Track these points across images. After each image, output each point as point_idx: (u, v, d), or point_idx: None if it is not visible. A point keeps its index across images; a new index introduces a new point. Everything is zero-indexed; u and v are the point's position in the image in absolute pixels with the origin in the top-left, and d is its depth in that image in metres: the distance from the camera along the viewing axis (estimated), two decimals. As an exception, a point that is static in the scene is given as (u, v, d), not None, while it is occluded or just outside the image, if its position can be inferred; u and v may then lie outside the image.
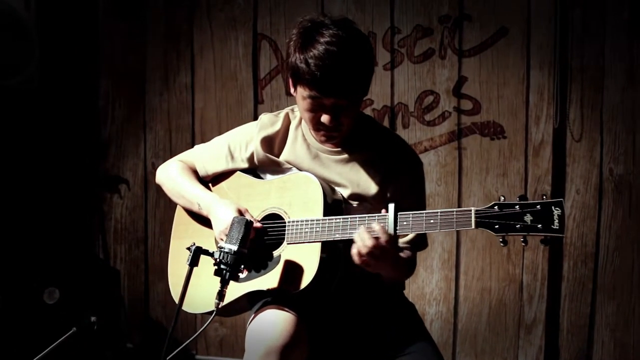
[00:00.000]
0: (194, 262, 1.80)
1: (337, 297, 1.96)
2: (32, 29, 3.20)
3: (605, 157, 2.94)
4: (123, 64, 3.39)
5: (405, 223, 1.75)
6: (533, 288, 3.05)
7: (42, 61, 3.22)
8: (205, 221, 2.10)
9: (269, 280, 1.91)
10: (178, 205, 2.23)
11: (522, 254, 3.06)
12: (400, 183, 1.98)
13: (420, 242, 2.02)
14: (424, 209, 2.02)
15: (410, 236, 1.99)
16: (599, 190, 2.96)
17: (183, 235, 2.19)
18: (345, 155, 2.00)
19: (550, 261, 3.02)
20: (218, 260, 1.80)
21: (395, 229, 1.75)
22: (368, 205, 1.98)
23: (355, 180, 1.98)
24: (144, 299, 3.44)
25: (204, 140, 3.25)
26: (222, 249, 1.81)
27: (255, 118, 3.16)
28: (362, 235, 1.77)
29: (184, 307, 2.03)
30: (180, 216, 2.22)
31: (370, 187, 1.97)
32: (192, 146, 3.21)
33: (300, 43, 1.86)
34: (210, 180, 2.18)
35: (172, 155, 3.23)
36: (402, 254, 1.98)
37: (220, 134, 3.28)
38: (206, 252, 1.82)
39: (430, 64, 3.06)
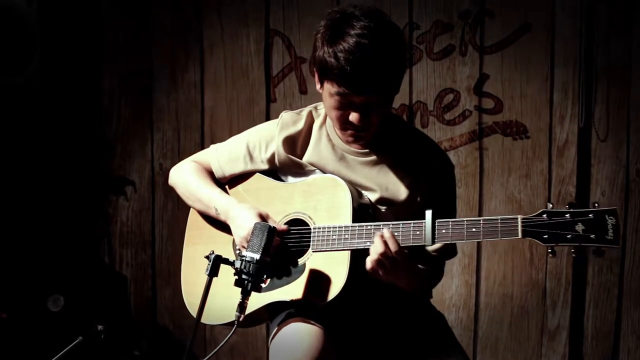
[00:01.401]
0: (213, 272, 1.69)
1: (364, 307, 1.85)
2: (33, 25, 3.11)
3: (631, 158, 2.88)
4: (128, 60, 3.30)
5: (444, 231, 1.64)
6: (557, 294, 2.97)
7: (44, 58, 3.14)
8: (222, 226, 1.99)
9: (293, 290, 1.80)
10: (192, 209, 2.11)
11: (545, 258, 2.98)
12: (431, 187, 1.87)
13: (449, 250, 1.91)
14: (455, 215, 1.92)
15: (439, 244, 1.87)
16: (625, 192, 2.88)
17: (197, 240, 2.08)
18: (373, 157, 1.89)
19: (574, 266, 2.93)
20: (239, 269, 1.68)
21: (433, 238, 1.63)
22: (397, 210, 1.87)
23: (384, 183, 1.88)
24: (151, 305, 3.35)
25: (214, 140, 3.16)
26: (244, 258, 1.69)
27: (268, 117, 3.20)
28: (375, 242, 1.67)
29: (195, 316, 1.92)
30: (194, 220, 2.11)
31: (399, 191, 1.87)
32: (202, 146, 3.23)
33: (329, 35, 1.75)
34: (226, 183, 2.07)
35: (180, 156, 3.24)
36: (421, 265, 1.86)
37: (231, 133, 3.15)
38: (226, 261, 1.71)
39: (450, 61, 2.98)
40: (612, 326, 2.92)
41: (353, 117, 1.78)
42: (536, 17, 2.88)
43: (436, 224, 1.65)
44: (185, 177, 2.07)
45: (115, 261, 3.35)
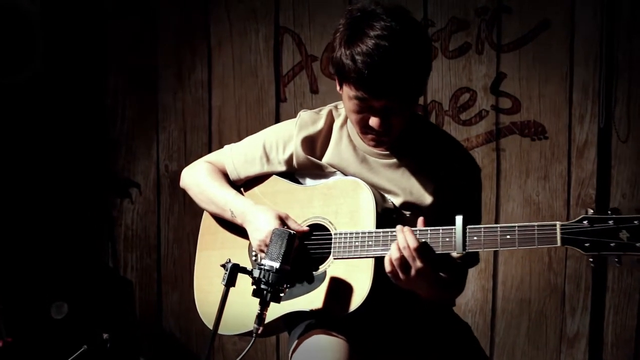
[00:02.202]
0: (230, 282, 1.60)
1: (388, 317, 1.76)
2: (36, 22, 3.07)
3: (653, 159, 2.82)
4: (133, 59, 3.23)
5: (475, 238, 1.55)
6: (576, 299, 2.91)
7: (46, 56, 3.10)
8: (237, 230, 1.91)
9: (313, 300, 1.72)
10: (205, 213, 2.02)
11: (564, 262, 2.91)
12: (457, 190, 1.79)
13: (472, 257, 1.82)
14: (481, 221, 1.83)
15: None
16: (647, 194, 2.82)
17: (211, 246, 1.99)
18: (396, 159, 1.81)
19: (594, 270, 2.87)
20: (257, 279, 1.59)
21: (464, 246, 1.54)
22: (421, 215, 1.76)
23: (408, 187, 1.79)
24: (157, 310, 3.27)
25: (221, 141, 3.17)
26: (262, 267, 1.60)
27: (277, 117, 3.13)
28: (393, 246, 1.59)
29: (211, 326, 1.82)
30: (207, 225, 2.03)
31: (424, 195, 1.78)
32: (209, 147, 3.18)
33: (347, 36, 1.66)
34: (241, 185, 1.98)
35: (187, 157, 3.22)
36: (443, 274, 1.77)
37: (239, 134, 3.11)
38: (244, 270, 1.61)
39: (466, 60, 2.90)
40: (634, 333, 2.86)
41: (373, 121, 1.71)
42: (555, 13, 2.82)
43: (467, 230, 1.56)
44: (199, 179, 1.98)
45: (119, 265, 3.29)
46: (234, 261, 1.66)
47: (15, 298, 2.77)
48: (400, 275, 1.61)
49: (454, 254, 1.73)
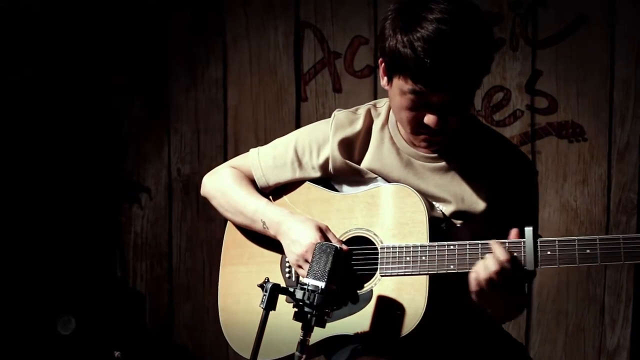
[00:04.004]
0: (270, 305, 1.43)
1: (441, 340, 1.59)
2: (38, 17, 3.01)
3: (698, 162, 2.73)
4: (141, 55, 3.11)
5: (549, 253, 1.39)
6: (616, 311, 2.80)
7: (48, 53, 3.03)
8: (267, 243, 1.74)
9: (358, 322, 1.56)
10: (229, 224, 1.86)
11: (603, 271, 2.80)
12: (514, 197, 1.64)
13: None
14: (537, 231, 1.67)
15: None
16: (691, 199, 2.73)
17: (237, 261, 1.82)
18: (445, 163, 1.66)
19: (635, 280, 2.78)
20: (300, 301, 1.42)
21: (535, 261, 1.38)
22: (473, 225, 1.63)
23: (459, 193, 1.64)
24: (168, 323, 3.14)
25: (238, 143, 3.06)
26: (306, 287, 1.43)
27: (298, 117, 3.00)
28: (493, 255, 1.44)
29: (240, 352, 1.69)
30: (232, 237, 1.86)
31: (476, 202, 1.63)
32: (224, 150, 3.05)
33: (402, 21, 1.50)
34: (270, 193, 1.82)
35: (200, 160, 3.10)
36: None
37: (256, 135, 3.03)
38: (285, 291, 1.44)
39: (500, 56, 2.79)
40: (677, 346, 2.76)
41: (429, 119, 1.54)
42: (594, 7, 2.71)
43: (538, 244, 1.39)
44: (223, 186, 1.81)
45: (128, 275, 3.17)
46: (264, 278, 1.50)
47: (19, 312, 2.67)
48: (488, 291, 1.46)
49: None
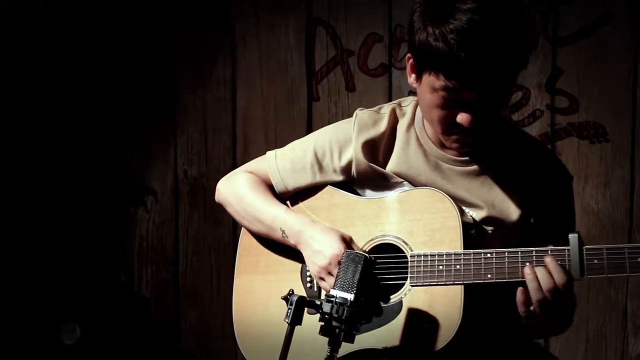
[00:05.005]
0: (296, 320, 1.35)
1: (474, 354, 1.51)
2: (41, 15, 2.97)
3: None
4: (146, 53, 3.07)
5: (596, 262, 1.32)
6: (639, 316, 2.74)
7: (50, 52, 2.99)
8: (284, 250, 1.66)
9: (387, 335, 1.48)
10: (243, 230, 1.78)
11: (626, 276, 2.71)
12: (549, 205, 1.57)
13: None
14: None
15: None
16: None
17: (252, 269, 1.74)
18: (475, 166, 1.58)
19: None
20: (328, 314, 1.34)
21: (582, 271, 1.30)
22: (504, 232, 1.56)
23: (489, 199, 1.56)
24: (174, 329, 3.10)
25: (247, 143, 2.98)
26: (333, 299, 1.35)
27: (310, 117, 2.92)
28: (540, 275, 1.34)
29: None
30: (247, 244, 1.77)
31: (509, 208, 1.55)
32: (233, 151, 2.98)
33: (433, 12, 1.42)
34: (288, 198, 1.74)
35: (207, 161, 3.03)
36: None
37: (266, 136, 2.95)
38: (312, 304, 1.36)
39: None
40: (703, 353, 2.71)
41: (462, 118, 1.46)
42: (619, 4, 2.65)
43: (584, 251, 1.31)
44: (239, 192, 1.73)
45: (133, 280, 3.13)
46: (283, 289, 1.43)
47: (21, 320, 2.62)
48: (540, 313, 1.37)
49: None
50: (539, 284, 1.34)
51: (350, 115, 1.76)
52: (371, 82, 2.81)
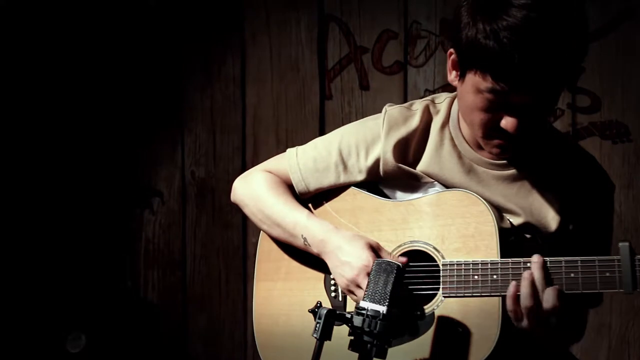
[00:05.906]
0: (325, 335, 1.26)
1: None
2: (45, 15, 2.94)
3: None
4: (153, 51, 3.03)
5: None
6: None
7: (56, 53, 2.96)
8: (308, 256, 1.58)
9: (418, 349, 1.40)
10: (262, 233, 1.69)
11: None
12: (589, 213, 1.50)
13: (595, 294, 1.49)
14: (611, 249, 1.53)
15: None
16: None
17: (272, 276, 1.66)
18: (513, 171, 1.50)
19: None
20: (359, 328, 1.26)
21: (634, 283, 1.22)
22: (539, 240, 1.49)
23: (527, 205, 1.49)
24: (182, 334, 3.06)
25: (257, 143, 2.91)
26: (364, 312, 1.26)
27: (322, 116, 2.85)
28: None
29: None
30: (266, 249, 1.69)
31: (547, 216, 1.48)
32: (243, 151, 2.92)
33: (483, 6, 1.32)
34: (309, 200, 1.65)
35: (216, 162, 2.98)
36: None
37: (277, 135, 2.90)
38: (342, 318, 1.27)
39: None
40: None
41: (507, 122, 1.37)
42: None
43: (637, 262, 1.23)
44: (257, 193, 1.64)
45: (139, 284, 3.09)
46: (305, 298, 1.39)
47: (25, 328, 2.57)
48: (525, 319, 1.33)
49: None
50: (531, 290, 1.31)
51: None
52: (386, 80, 2.76)
